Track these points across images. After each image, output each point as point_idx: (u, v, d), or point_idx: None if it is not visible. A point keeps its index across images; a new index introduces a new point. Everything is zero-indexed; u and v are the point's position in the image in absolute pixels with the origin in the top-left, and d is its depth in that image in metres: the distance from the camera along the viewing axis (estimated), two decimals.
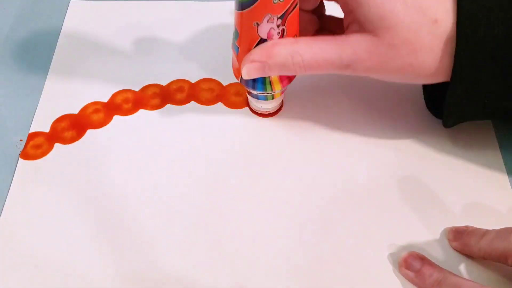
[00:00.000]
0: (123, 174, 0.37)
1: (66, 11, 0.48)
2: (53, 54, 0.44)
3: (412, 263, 0.32)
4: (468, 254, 0.32)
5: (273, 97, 0.37)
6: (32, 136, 0.39)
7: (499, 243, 0.30)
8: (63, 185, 0.36)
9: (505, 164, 0.37)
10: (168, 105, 0.41)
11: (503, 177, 0.36)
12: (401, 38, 0.30)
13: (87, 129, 0.39)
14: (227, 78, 0.42)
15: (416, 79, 0.33)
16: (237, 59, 0.34)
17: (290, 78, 0.36)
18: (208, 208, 0.35)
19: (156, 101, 0.41)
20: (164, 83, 0.42)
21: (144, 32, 0.46)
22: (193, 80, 0.42)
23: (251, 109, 0.40)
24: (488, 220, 0.34)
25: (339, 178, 0.37)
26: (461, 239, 0.33)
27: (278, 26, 0.31)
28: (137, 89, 0.42)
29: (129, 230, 0.34)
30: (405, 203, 0.35)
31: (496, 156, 0.37)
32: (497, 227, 0.31)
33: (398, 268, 0.32)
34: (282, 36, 0.32)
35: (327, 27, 0.38)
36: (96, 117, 0.40)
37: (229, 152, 0.38)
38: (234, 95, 0.41)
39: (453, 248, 0.33)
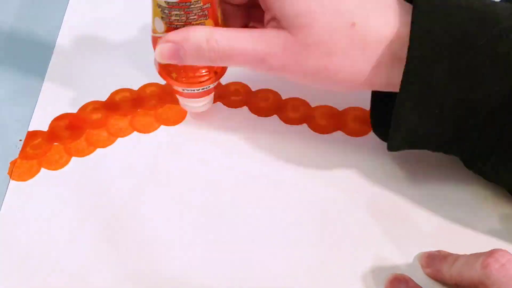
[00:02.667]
0: (122, 173, 0.37)
1: (66, 11, 0.48)
2: (52, 53, 0.44)
3: (397, 286, 0.31)
4: (441, 281, 0.31)
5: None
6: (31, 135, 0.39)
7: (468, 272, 0.28)
8: (61, 185, 0.36)
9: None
10: (167, 105, 0.41)
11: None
12: (315, 38, 0.29)
13: (86, 129, 0.39)
14: (226, 77, 0.41)
15: (336, 84, 0.31)
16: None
17: (216, 73, 0.35)
18: (207, 208, 0.35)
19: (155, 100, 0.41)
20: (163, 82, 0.42)
21: (143, 31, 0.46)
22: None
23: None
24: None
25: (338, 179, 0.36)
26: (434, 265, 0.31)
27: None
28: (136, 88, 0.42)
29: (128, 230, 0.34)
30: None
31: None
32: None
33: None
34: None
35: (255, 24, 0.37)
36: (95, 116, 0.40)
37: (228, 151, 0.38)
38: (234, 94, 0.41)
39: (426, 275, 0.32)
